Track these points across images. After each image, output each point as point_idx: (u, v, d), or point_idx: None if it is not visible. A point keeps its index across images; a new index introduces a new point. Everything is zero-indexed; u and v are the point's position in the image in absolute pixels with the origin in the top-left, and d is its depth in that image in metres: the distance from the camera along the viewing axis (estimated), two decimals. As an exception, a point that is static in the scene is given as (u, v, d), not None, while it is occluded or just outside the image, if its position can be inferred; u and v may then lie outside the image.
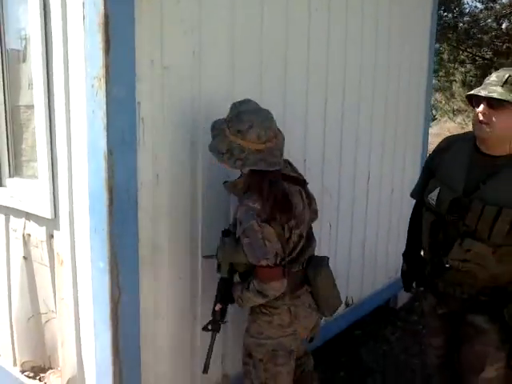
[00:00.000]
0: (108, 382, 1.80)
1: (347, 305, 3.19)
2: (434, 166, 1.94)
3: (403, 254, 2.18)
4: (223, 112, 1.80)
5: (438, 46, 8.50)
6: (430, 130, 4.59)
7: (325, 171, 2.77)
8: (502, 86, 1.65)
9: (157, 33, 1.74)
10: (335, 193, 2.90)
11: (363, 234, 3.23)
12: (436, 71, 8.75)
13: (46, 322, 2.19)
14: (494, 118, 1.66)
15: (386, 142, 3.30)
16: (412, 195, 2.13)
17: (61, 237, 1.95)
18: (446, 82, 9.42)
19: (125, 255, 1.74)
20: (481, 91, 1.70)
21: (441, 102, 13.66)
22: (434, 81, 9.30)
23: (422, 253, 2.08)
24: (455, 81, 9.48)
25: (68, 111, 1.80)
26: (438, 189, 1.84)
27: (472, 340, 1.84)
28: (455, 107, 13.30)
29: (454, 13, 7.81)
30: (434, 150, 1.99)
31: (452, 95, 11.03)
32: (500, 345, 1.79)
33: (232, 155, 1.69)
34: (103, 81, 1.58)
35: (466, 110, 12.41)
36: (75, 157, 1.82)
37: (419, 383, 2.87)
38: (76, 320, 1.98)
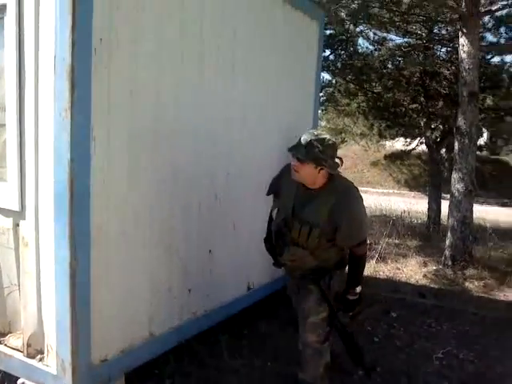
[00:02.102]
0: (66, 329, 2.45)
1: (249, 288, 4.00)
2: (276, 188, 2.83)
3: (264, 239, 2.97)
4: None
5: (334, 79, 9.82)
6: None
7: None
8: (306, 147, 2.48)
9: (105, 81, 2.47)
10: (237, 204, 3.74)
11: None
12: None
13: (9, 293, 2.78)
14: (300, 169, 2.54)
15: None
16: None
17: (26, 224, 2.59)
18: (347, 108, 10.67)
19: (81, 238, 2.43)
20: (293, 150, 2.54)
21: (350, 126, 15.16)
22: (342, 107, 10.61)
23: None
24: (354, 108, 10.66)
25: (37, 131, 2.47)
26: (277, 208, 2.75)
27: (303, 298, 2.76)
28: (359, 131, 14.86)
29: (349, 53, 9.14)
30: (277, 176, 2.87)
31: (357, 119, 12.30)
32: (320, 301, 2.71)
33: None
34: (69, 112, 2.29)
35: (368, 135, 13.93)
36: (41, 164, 2.49)
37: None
38: (38, 288, 2.60)
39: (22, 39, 2.47)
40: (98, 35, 2.39)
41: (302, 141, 2.52)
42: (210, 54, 3.28)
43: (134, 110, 2.71)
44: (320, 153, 2.46)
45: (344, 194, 2.58)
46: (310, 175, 2.54)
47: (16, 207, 2.59)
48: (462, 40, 6.68)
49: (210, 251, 3.50)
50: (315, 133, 2.57)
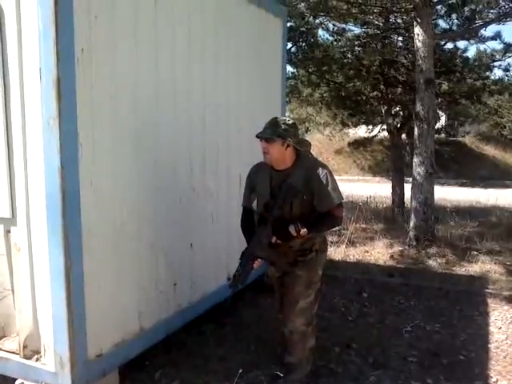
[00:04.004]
0: (63, 327, 2.57)
1: (228, 279, 4.17)
2: (252, 184, 3.01)
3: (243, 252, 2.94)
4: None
5: (297, 71, 10.04)
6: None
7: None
8: (270, 128, 2.78)
9: (88, 89, 2.60)
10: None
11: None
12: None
13: (2, 299, 2.87)
14: (269, 149, 2.77)
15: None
16: (243, 205, 3.10)
17: (18, 231, 2.69)
18: (310, 98, 10.91)
19: (73, 238, 2.55)
20: (260, 134, 2.79)
21: (313, 115, 15.39)
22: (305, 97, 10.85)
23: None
24: (316, 98, 10.90)
25: (25, 142, 2.57)
26: (256, 199, 2.94)
27: (291, 283, 2.92)
28: (322, 121, 15.12)
29: (310, 44, 9.36)
30: (249, 174, 3.05)
31: (320, 109, 12.54)
32: (308, 284, 2.90)
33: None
34: (57, 120, 2.40)
35: (331, 124, 14.21)
36: (30, 171, 2.59)
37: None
38: (32, 291, 2.71)
39: (5, 52, 2.55)
40: (80, 45, 2.50)
41: (266, 124, 2.83)
42: (182, 55, 3.43)
43: (115, 114, 2.83)
44: (283, 130, 2.75)
45: (313, 165, 2.85)
46: (279, 153, 2.77)
47: (7, 214, 2.69)
48: (417, 29, 7.00)
49: (191, 245, 3.67)
50: (278, 116, 2.95)
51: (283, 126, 2.76)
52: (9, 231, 2.74)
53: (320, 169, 2.82)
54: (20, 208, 2.66)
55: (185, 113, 3.51)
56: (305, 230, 2.72)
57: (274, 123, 2.79)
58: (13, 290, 2.82)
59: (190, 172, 3.60)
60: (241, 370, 2.81)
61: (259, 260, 2.79)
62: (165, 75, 3.26)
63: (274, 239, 2.79)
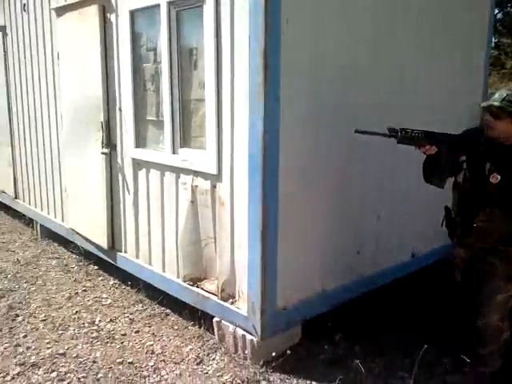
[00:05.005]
0: (257, 277, 2.81)
1: (413, 255, 4.04)
2: (461, 149, 2.63)
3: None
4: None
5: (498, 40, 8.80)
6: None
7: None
8: (501, 103, 2.41)
9: (290, 58, 2.68)
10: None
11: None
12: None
13: (206, 245, 3.25)
14: (496, 125, 2.44)
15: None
16: None
17: (223, 186, 2.98)
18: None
19: (270, 196, 2.73)
20: (488, 108, 2.44)
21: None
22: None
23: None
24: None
25: (232, 104, 2.80)
26: (463, 171, 2.62)
27: (488, 275, 2.63)
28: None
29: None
30: (459, 139, 2.66)
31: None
32: (508, 278, 2.59)
33: None
34: (262, 86, 2.55)
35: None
36: (236, 134, 2.82)
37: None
38: (231, 241, 3.01)
39: (220, 23, 2.77)
40: (285, 17, 2.58)
41: (497, 97, 2.48)
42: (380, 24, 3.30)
43: (315, 84, 2.89)
44: None
45: None
46: (506, 131, 2.48)
47: (214, 171, 2.99)
48: None
49: (378, 216, 3.62)
50: (510, 91, 2.51)
51: None
52: (214, 186, 3.05)
53: None
54: (225, 166, 2.94)
55: (389, 81, 3.42)
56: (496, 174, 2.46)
57: (505, 99, 2.45)
58: (215, 238, 3.16)
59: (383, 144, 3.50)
60: (426, 346, 2.72)
61: (431, 148, 2.58)
62: (364, 47, 3.19)
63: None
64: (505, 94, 2.46)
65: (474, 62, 4.36)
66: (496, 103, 2.45)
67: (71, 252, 4.87)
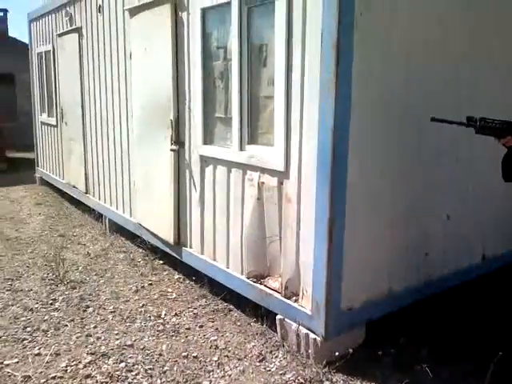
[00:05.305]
0: (323, 277, 2.78)
1: (483, 258, 3.86)
2: None
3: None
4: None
5: None
6: None
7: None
8: None
9: (364, 54, 2.62)
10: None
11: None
12: None
13: (270, 243, 3.24)
14: None
15: None
16: None
17: (290, 183, 2.96)
18: None
19: (338, 196, 2.69)
20: None
21: None
22: None
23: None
24: None
25: (302, 101, 2.77)
26: None
27: None
28: None
29: None
30: None
31: None
32: None
33: None
34: (333, 83, 2.51)
35: None
36: (305, 130, 2.80)
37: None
38: (297, 238, 2.99)
39: (291, 19, 2.75)
40: (359, 10, 2.53)
41: None
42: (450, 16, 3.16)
43: (387, 82, 2.83)
44: None
45: None
46: None
47: (281, 168, 2.98)
48: None
49: (447, 216, 3.48)
50: None
51: None
52: (282, 183, 3.04)
53: None
54: (293, 163, 2.92)
55: (451, 78, 3.27)
56: None
57: None
58: (280, 236, 3.15)
59: (453, 140, 3.36)
60: (501, 353, 2.57)
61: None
62: (439, 40, 3.09)
63: None
64: None
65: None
66: None
67: (138, 246, 5.03)
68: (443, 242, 3.49)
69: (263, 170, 3.16)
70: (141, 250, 4.97)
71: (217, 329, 3.42)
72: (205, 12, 3.46)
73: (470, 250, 3.76)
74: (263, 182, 3.18)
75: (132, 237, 5.18)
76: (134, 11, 4.35)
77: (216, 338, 3.30)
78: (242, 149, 3.32)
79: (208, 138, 3.67)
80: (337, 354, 2.83)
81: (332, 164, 2.61)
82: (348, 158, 2.68)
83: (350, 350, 2.87)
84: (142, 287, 4.16)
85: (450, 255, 3.55)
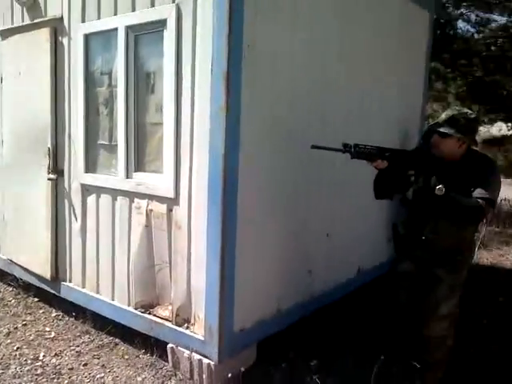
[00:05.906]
0: (215, 300, 2.80)
1: (359, 271, 4.22)
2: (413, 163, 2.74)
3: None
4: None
5: (433, 64, 9.57)
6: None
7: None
8: (448, 123, 2.56)
9: (250, 83, 2.78)
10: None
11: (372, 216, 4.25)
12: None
13: (159, 270, 3.20)
14: (441, 144, 2.60)
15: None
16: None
17: (180, 210, 2.98)
18: (441, 93, 10.48)
19: (230, 221, 2.76)
20: (436, 126, 2.61)
21: (437, 112, 14.76)
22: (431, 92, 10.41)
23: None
24: (451, 93, 10.47)
25: (192, 128, 2.84)
26: (416, 184, 2.71)
27: (432, 286, 2.76)
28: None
29: (448, 36, 8.89)
30: (410, 153, 2.81)
31: (448, 105, 11.94)
32: (451, 288, 2.74)
33: None
34: (224, 111, 2.61)
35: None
36: (195, 157, 2.85)
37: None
38: (188, 264, 2.99)
39: (180, 48, 2.82)
40: (247, 42, 2.68)
41: (444, 116, 2.62)
42: (333, 49, 3.50)
43: (273, 109, 3.00)
44: (463, 127, 2.56)
45: (485, 163, 2.66)
46: (451, 149, 2.61)
47: (171, 194, 2.98)
48: None
49: (327, 235, 3.75)
50: (457, 108, 2.69)
51: (463, 121, 2.57)
52: (171, 210, 3.04)
53: (492, 167, 2.66)
54: (183, 189, 2.94)
55: (337, 107, 3.61)
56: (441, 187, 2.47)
57: (453, 118, 2.58)
58: (170, 263, 3.13)
59: (333, 166, 3.66)
60: (382, 357, 2.79)
61: (383, 162, 2.64)
62: (319, 72, 3.38)
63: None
64: (451, 114, 2.62)
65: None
66: (443, 124, 2.61)
67: (8, 285, 4.58)
68: (324, 259, 3.74)
69: (152, 197, 3.13)
70: (11, 289, 4.53)
71: (103, 365, 3.25)
72: (88, 38, 3.37)
73: (347, 264, 4.07)
74: (151, 210, 3.15)
75: (1, 275, 4.71)
76: (7, 33, 4.08)
77: (103, 374, 3.13)
78: (128, 176, 3.25)
79: (91, 166, 3.54)
80: (229, 375, 2.85)
81: (223, 191, 2.69)
82: (238, 184, 2.77)
83: (243, 370, 2.91)
84: (15, 328, 3.79)
85: (330, 271, 3.80)
